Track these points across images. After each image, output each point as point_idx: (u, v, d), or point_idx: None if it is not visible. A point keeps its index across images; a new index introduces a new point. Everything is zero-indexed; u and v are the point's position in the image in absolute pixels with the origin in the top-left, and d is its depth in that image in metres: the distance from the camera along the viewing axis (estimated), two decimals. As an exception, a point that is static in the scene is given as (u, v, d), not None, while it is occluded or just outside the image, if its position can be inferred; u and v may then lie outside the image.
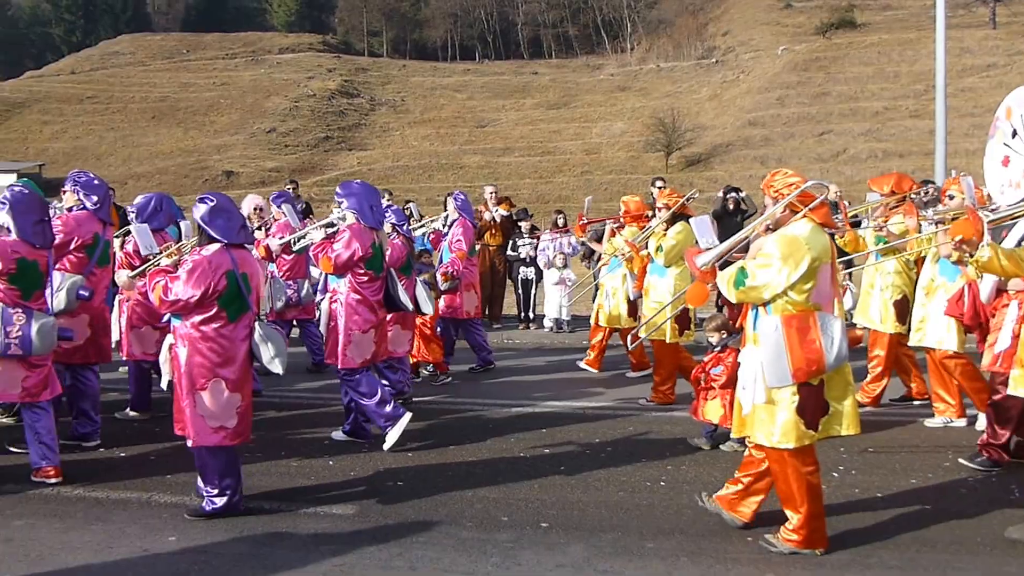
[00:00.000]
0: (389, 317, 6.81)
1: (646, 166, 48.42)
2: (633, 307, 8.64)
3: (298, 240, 7.43)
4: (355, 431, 6.39)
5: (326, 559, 4.28)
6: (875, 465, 5.79)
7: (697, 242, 5.79)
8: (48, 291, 5.50)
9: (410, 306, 6.71)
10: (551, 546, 4.46)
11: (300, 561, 4.26)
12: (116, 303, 7.30)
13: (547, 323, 11.71)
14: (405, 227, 7.55)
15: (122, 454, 6.04)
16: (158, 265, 4.91)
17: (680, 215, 7.56)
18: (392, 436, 6.07)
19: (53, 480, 5.32)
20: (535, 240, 11.99)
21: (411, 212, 11.01)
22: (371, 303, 6.24)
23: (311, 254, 6.39)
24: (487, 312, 12.10)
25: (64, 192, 6.46)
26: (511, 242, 12.15)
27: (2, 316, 5.14)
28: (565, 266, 11.36)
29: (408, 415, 6.18)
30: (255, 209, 9.08)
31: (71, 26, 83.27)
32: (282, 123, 60.85)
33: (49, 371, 5.44)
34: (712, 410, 6.00)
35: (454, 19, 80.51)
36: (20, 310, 5.19)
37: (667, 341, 7.41)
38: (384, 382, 6.73)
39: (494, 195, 12.05)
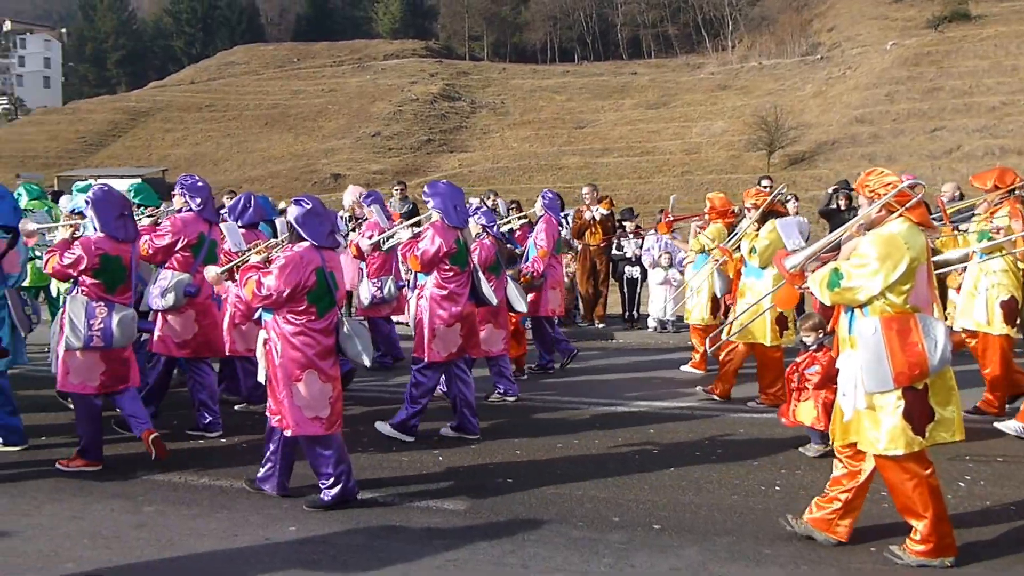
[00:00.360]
0: (480, 316, 6.96)
1: (747, 165, 47.33)
2: (716, 305, 8.53)
3: (387, 239, 7.59)
4: (462, 427, 6.50)
5: (439, 553, 4.33)
6: (1005, 475, 5.52)
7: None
8: (133, 286, 5.76)
9: (494, 300, 6.79)
10: (664, 549, 4.40)
11: (414, 554, 4.33)
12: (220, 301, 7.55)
13: (651, 323, 11.58)
14: (495, 228, 7.66)
15: (244, 444, 6.26)
16: (247, 262, 5.10)
17: (771, 214, 7.38)
18: (385, 430, 6.36)
19: (89, 469, 5.54)
20: (640, 240, 11.89)
21: (497, 207, 11.31)
22: (456, 297, 6.38)
23: (399, 253, 6.53)
24: (589, 312, 12.07)
25: (174, 195, 6.78)
26: (616, 242, 12.07)
27: (86, 309, 5.40)
28: (670, 266, 11.20)
29: (412, 439, 6.34)
30: (356, 199, 9.24)
31: (191, 39, 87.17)
32: (386, 127, 62.08)
33: (131, 361, 5.69)
34: (805, 412, 5.81)
35: (554, 22, 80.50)
36: (103, 303, 5.45)
37: (768, 344, 7.25)
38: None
39: (592, 194, 11.97)
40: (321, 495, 4.94)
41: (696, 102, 61.30)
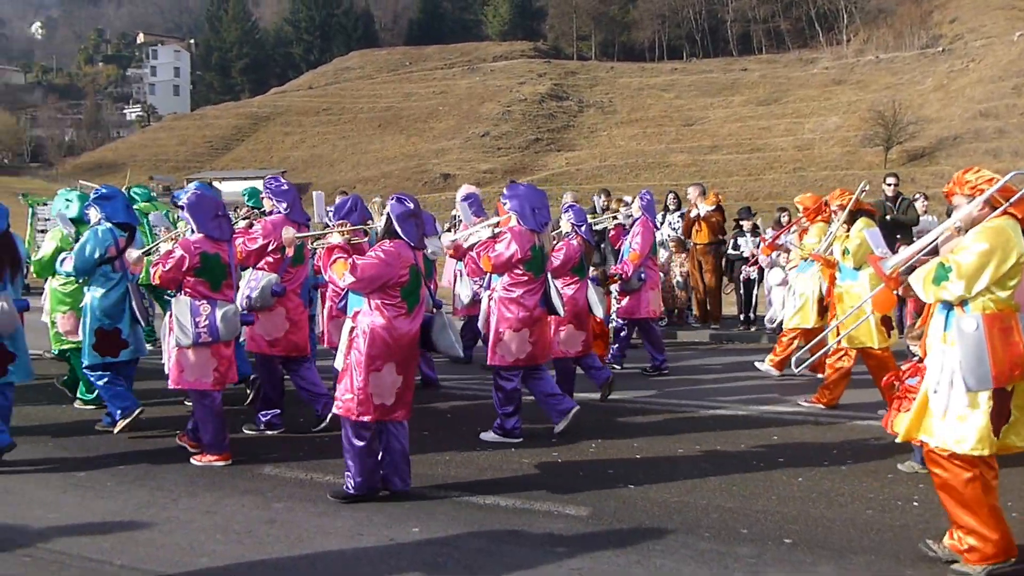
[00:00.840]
0: (562, 317, 6.89)
1: (863, 161, 45.44)
2: (823, 309, 8.25)
3: (468, 238, 7.51)
4: (504, 431, 6.49)
5: (563, 560, 4.27)
6: None
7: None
8: (235, 283, 5.98)
9: (562, 311, 6.59)
10: (797, 565, 4.22)
11: (538, 560, 4.28)
12: (318, 295, 7.69)
13: (768, 323, 11.23)
14: (584, 227, 7.50)
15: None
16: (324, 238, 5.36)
17: (859, 212, 7.13)
18: (490, 438, 6.39)
19: (219, 463, 5.78)
20: (758, 239, 11.54)
21: (597, 203, 11.30)
22: (525, 304, 6.30)
23: (474, 253, 6.62)
24: (703, 312, 11.81)
25: (263, 199, 6.99)
26: (732, 241, 11.76)
27: (190, 309, 5.63)
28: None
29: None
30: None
31: (309, 45, 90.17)
32: (495, 127, 62.58)
33: (233, 357, 5.90)
34: (901, 422, 5.46)
35: (662, 20, 79.33)
36: (205, 301, 5.66)
37: (876, 348, 6.96)
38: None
39: (698, 193, 11.73)
40: (345, 486, 5.11)
41: (809, 97, 59.38)
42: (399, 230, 4.99)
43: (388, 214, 5.06)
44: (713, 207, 11.62)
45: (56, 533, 4.60)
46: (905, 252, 4.39)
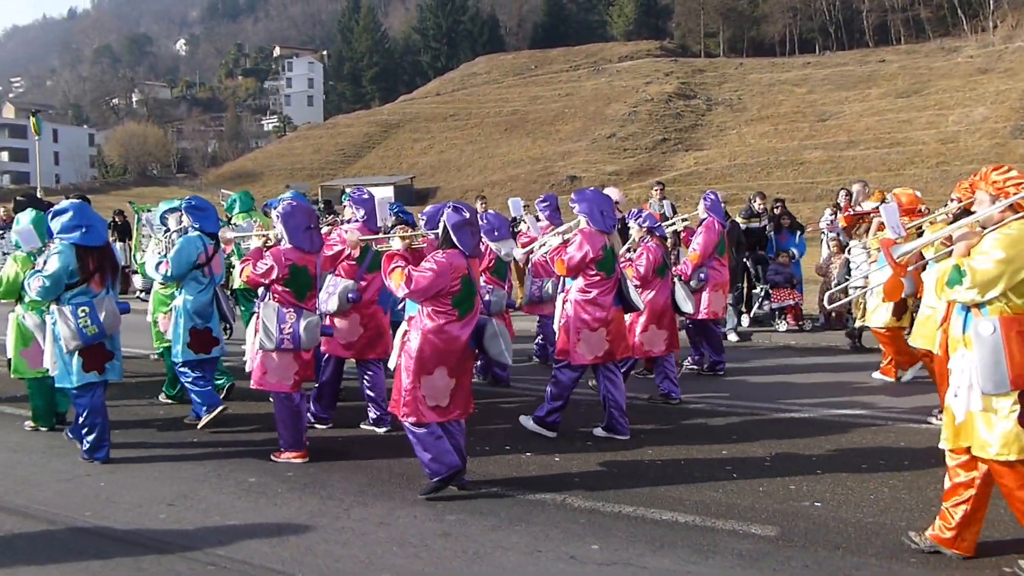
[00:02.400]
0: (644, 317, 7.33)
1: (1015, 154, 42.41)
2: (902, 307, 7.87)
3: (540, 247, 7.66)
4: (611, 427, 6.56)
5: (760, 586, 3.99)
6: None
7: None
8: (319, 293, 6.22)
9: (640, 305, 6.88)
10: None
11: (733, 585, 4.01)
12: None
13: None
14: (659, 230, 7.69)
15: (528, 454, 6.22)
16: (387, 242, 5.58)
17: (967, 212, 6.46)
18: (529, 424, 6.58)
19: (297, 460, 5.99)
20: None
21: (662, 208, 11.60)
22: (600, 302, 6.45)
23: (547, 258, 6.74)
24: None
25: (344, 207, 7.14)
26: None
27: (277, 315, 5.87)
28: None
29: (553, 434, 6.52)
30: (620, 199, 9.43)
31: (436, 53, 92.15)
32: (621, 128, 62.12)
33: (312, 363, 6.17)
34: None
35: (793, 13, 76.76)
36: (292, 309, 5.89)
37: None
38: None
39: (863, 190, 11.09)
40: (428, 476, 5.27)
41: (952, 88, 56.15)
42: (454, 239, 5.14)
43: (444, 223, 5.20)
44: (879, 203, 10.97)
45: (235, 540, 4.64)
46: (919, 241, 4.49)
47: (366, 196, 7.00)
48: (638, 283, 7.36)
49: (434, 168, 65.68)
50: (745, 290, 11.96)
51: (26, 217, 6.65)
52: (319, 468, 5.95)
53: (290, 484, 5.60)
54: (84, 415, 6.00)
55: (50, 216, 6.10)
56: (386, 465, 5.95)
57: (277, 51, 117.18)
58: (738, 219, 11.68)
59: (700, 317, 8.76)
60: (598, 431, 6.61)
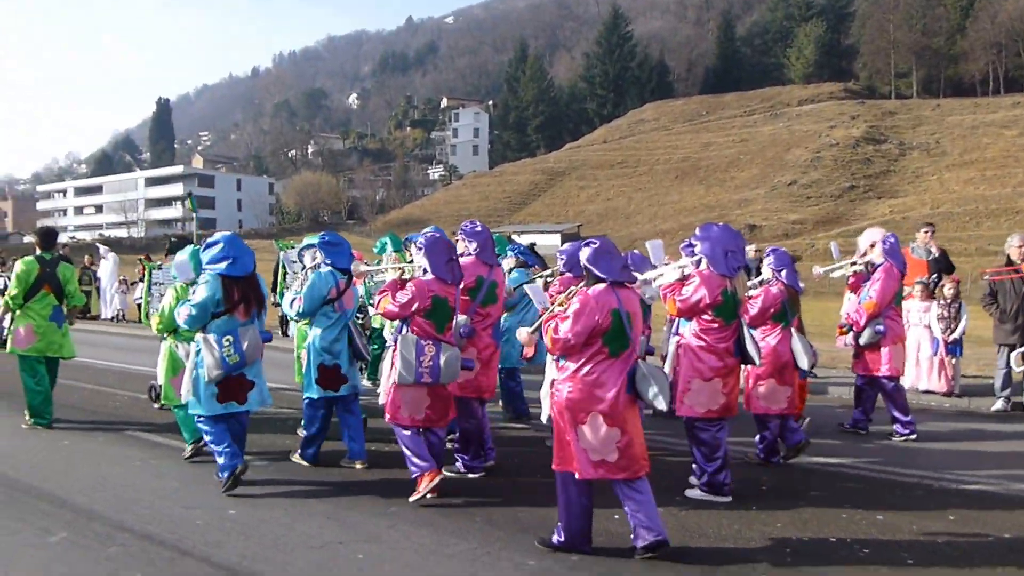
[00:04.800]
0: (762, 371, 6.67)
1: None
2: None
3: (656, 278, 6.96)
4: (712, 487, 5.91)
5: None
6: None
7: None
8: (455, 326, 5.95)
9: (758, 359, 6.16)
10: None
11: None
12: None
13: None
14: (785, 272, 7.00)
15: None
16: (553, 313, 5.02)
17: None
18: (695, 495, 5.91)
19: (436, 480, 5.67)
20: None
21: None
22: (717, 350, 5.96)
23: (660, 293, 6.35)
24: None
25: (456, 240, 6.75)
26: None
27: (416, 347, 5.67)
28: None
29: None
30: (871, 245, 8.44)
31: (602, 100, 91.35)
32: (804, 175, 58.87)
33: (450, 399, 5.98)
34: None
35: (997, 49, 70.82)
36: (431, 342, 5.70)
37: None
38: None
39: None
40: (552, 537, 4.82)
41: None
42: (596, 271, 4.74)
43: (582, 261, 4.84)
44: None
45: None
46: None
47: (479, 229, 6.69)
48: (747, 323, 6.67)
49: (601, 216, 64.23)
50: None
51: (185, 252, 6.85)
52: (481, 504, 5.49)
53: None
54: (210, 443, 6.08)
55: (202, 248, 6.23)
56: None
57: (444, 102, 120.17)
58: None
59: (881, 375, 7.98)
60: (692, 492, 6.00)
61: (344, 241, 7.08)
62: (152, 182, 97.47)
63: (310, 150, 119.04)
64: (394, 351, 5.80)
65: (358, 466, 6.69)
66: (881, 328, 7.94)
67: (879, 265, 8.08)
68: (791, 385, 6.91)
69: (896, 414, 8.04)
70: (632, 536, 4.70)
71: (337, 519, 5.32)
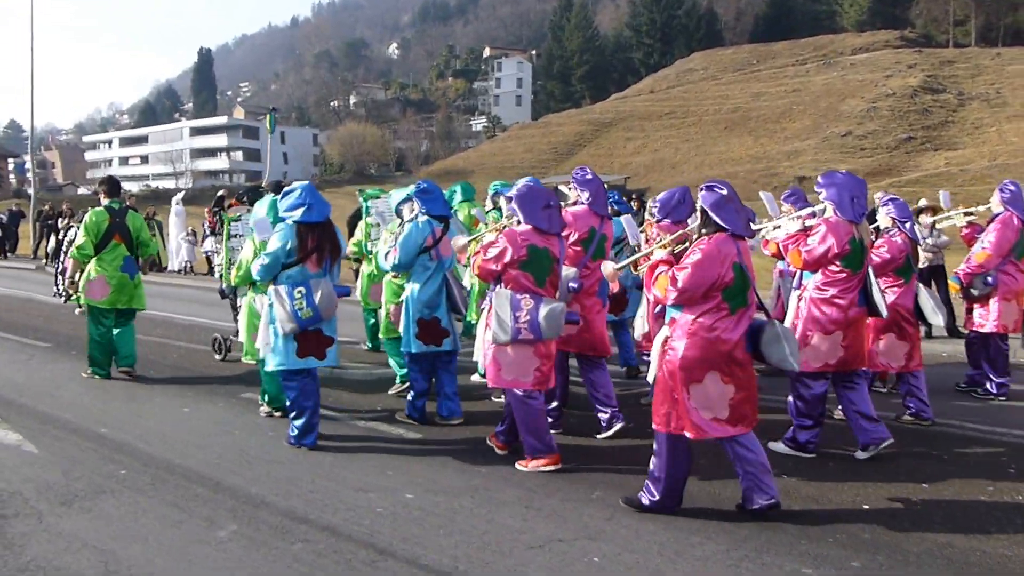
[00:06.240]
0: (883, 323, 6.40)
1: None
2: None
3: (773, 229, 6.82)
4: (796, 443, 5.94)
5: None
6: None
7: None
8: (559, 278, 5.66)
9: (884, 312, 5.91)
10: None
11: None
12: (643, 298, 7.16)
13: None
14: (909, 224, 6.70)
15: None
16: (650, 257, 4.94)
17: None
18: (780, 448, 5.87)
19: (549, 468, 5.44)
20: None
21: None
22: (839, 303, 5.77)
23: (780, 245, 6.18)
24: None
25: (568, 189, 6.65)
26: None
27: (511, 302, 5.31)
28: None
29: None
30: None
31: (649, 49, 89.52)
32: (859, 125, 57.54)
33: (554, 360, 5.60)
34: None
35: (1065, -6, 68.32)
36: (528, 295, 5.34)
37: None
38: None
39: None
40: (640, 495, 4.76)
41: None
42: (718, 219, 4.49)
43: (701, 206, 4.60)
44: None
45: None
46: None
47: (589, 176, 6.52)
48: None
49: (647, 167, 63.55)
50: None
51: (263, 205, 6.70)
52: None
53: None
54: (293, 399, 5.93)
55: (280, 198, 6.10)
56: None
57: (487, 52, 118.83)
58: None
59: (987, 330, 7.78)
60: (776, 445, 5.96)
61: (437, 188, 6.97)
62: (196, 132, 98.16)
63: (352, 101, 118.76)
64: (489, 310, 5.51)
65: (454, 423, 6.60)
66: (991, 280, 7.65)
67: (997, 215, 7.79)
68: (912, 342, 6.69)
69: (990, 371, 7.86)
70: (742, 500, 4.65)
71: (537, 508, 4.78)
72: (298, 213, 5.84)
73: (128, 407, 7.29)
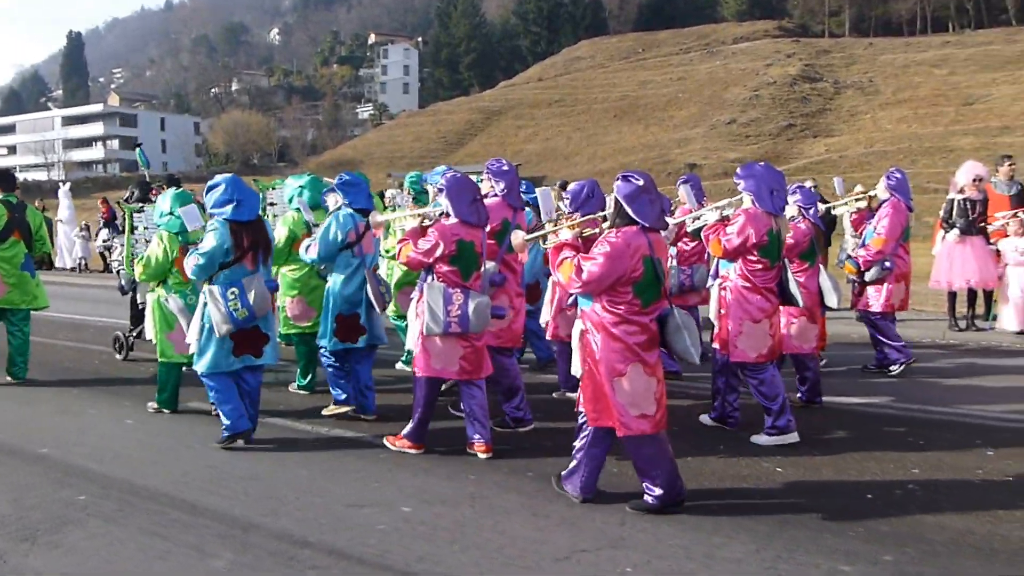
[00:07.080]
0: (793, 309, 6.52)
1: None
2: None
3: (693, 221, 7.01)
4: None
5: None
6: None
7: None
8: (482, 271, 5.72)
9: (800, 301, 6.14)
10: None
11: None
12: (549, 285, 7.30)
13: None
14: (812, 211, 6.99)
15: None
16: (558, 235, 4.97)
17: None
18: (763, 440, 5.92)
19: (483, 455, 5.57)
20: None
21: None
22: (763, 292, 5.93)
23: (702, 236, 6.30)
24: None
25: (484, 180, 6.54)
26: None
27: (443, 296, 5.42)
28: None
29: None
30: (975, 179, 8.54)
31: (536, 37, 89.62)
32: (742, 113, 59.06)
33: (483, 350, 5.68)
34: None
35: (926, -11, 71.89)
36: (459, 290, 5.45)
37: None
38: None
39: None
40: (645, 497, 4.58)
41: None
42: (631, 211, 4.44)
43: (616, 197, 4.54)
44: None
45: None
46: None
47: (505, 168, 6.45)
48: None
49: (540, 156, 63.48)
50: None
51: (165, 198, 6.52)
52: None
53: None
54: (213, 399, 5.87)
55: (205, 191, 5.91)
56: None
57: (372, 38, 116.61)
58: None
59: (875, 310, 8.20)
60: (704, 418, 6.42)
61: (362, 180, 6.78)
62: (69, 121, 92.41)
63: (234, 88, 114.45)
64: (419, 300, 5.57)
65: (367, 420, 6.57)
66: (889, 265, 8.04)
67: (884, 200, 8.10)
68: (819, 324, 7.02)
69: (886, 341, 8.24)
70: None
71: (545, 515, 4.53)
72: (228, 210, 5.66)
73: (65, 422, 6.66)
